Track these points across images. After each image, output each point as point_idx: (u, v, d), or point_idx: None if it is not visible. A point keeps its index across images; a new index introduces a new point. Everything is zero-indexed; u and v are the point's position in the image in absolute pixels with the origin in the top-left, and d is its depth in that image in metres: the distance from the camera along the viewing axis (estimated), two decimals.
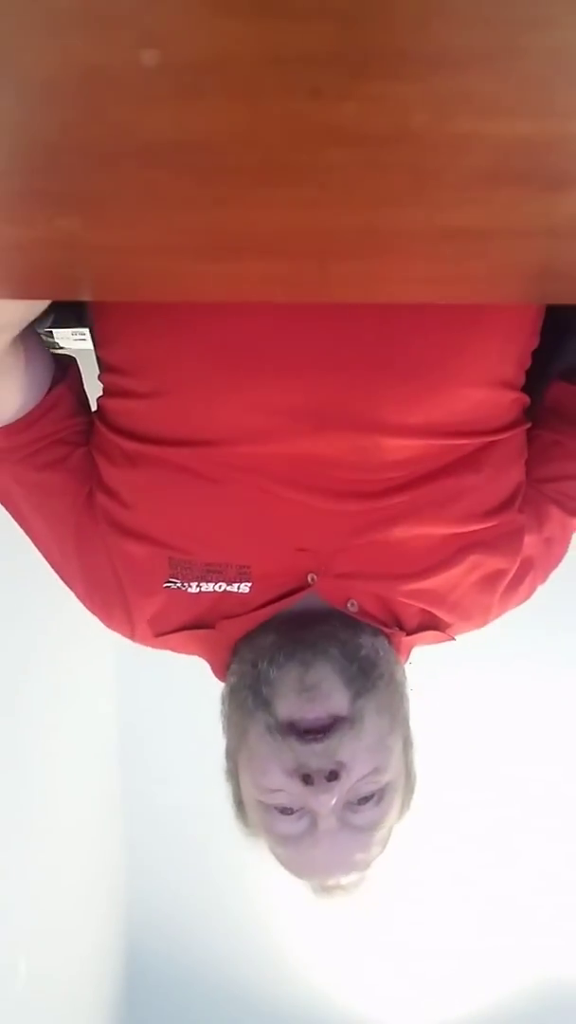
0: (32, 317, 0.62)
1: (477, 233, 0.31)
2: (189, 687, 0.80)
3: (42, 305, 0.61)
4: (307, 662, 0.66)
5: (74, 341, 0.86)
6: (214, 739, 0.78)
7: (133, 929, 2.46)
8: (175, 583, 0.71)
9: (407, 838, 0.76)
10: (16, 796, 1.58)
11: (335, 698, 0.65)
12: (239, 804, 0.74)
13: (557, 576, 0.82)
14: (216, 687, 0.77)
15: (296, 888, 0.79)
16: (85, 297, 0.62)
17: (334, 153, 0.26)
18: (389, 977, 2.49)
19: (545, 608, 0.93)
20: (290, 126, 0.24)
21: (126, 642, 0.79)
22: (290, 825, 0.67)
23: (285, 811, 0.67)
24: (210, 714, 0.77)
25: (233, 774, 0.74)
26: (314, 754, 0.64)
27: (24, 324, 0.62)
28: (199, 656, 0.79)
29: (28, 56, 0.21)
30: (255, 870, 0.80)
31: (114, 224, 0.31)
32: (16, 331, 0.63)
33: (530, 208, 0.29)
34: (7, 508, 0.76)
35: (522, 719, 2.21)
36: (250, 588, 0.71)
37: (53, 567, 0.77)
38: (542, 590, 0.81)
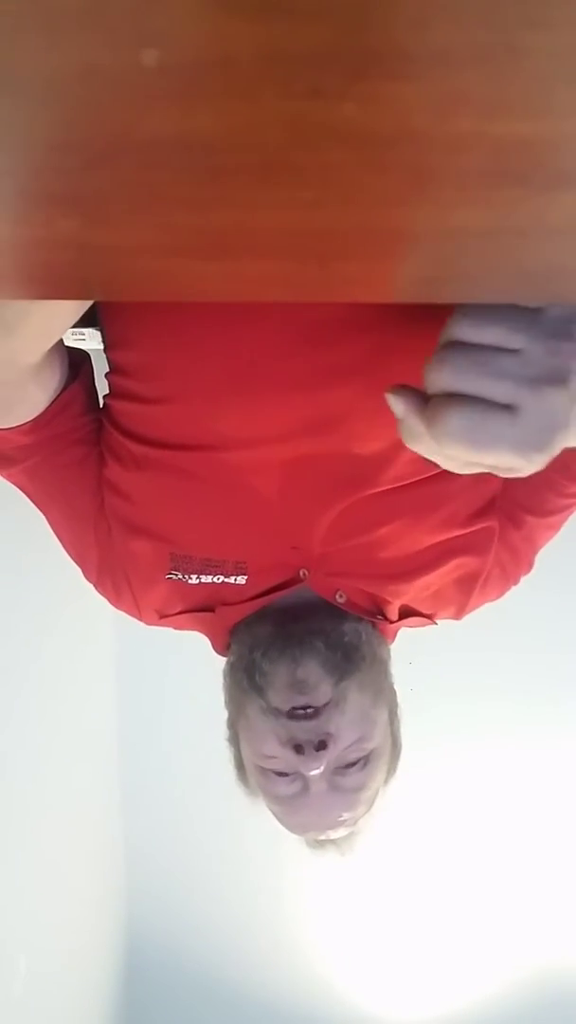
0: (77, 319, 0.64)
1: (477, 233, 0.31)
2: (189, 674, 0.84)
3: (85, 307, 0.62)
4: (296, 659, 0.73)
5: (74, 341, 0.86)
6: (214, 733, 0.84)
7: (133, 928, 2.46)
8: (176, 575, 0.76)
9: (407, 829, 0.84)
10: (14, 794, 1.58)
11: (321, 689, 0.72)
12: (240, 767, 0.82)
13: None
14: (213, 667, 0.83)
15: (296, 887, 0.83)
16: (87, 297, 0.62)
17: (334, 153, 0.26)
18: (390, 970, 2.49)
19: (548, 595, 0.94)
20: (290, 126, 0.24)
21: (126, 624, 0.85)
22: (285, 787, 0.76)
23: (280, 774, 0.76)
24: (208, 705, 0.83)
25: (234, 740, 0.82)
26: (304, 729, 0.72)
27: (70, 327, 0.64)
28: (199, 632, 0.85)
29: (28, 56, 0.22)
30: (255, 869, 0.84)
31: (114, 224, 0.31)
32: (62, 334, 0.66)
33: (529, 208, 0.29)
34: (31, 499, 0.80)
35: (523, 711, 2.21)
36: (246, 580, 0.76)
37: (69, 554, 0.82)
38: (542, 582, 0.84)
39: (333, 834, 0.80)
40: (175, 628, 0.84)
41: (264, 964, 2.50)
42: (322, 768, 0.72)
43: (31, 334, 0.62)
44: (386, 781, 0.82)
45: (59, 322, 0.64)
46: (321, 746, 0.71)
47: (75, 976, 2.01)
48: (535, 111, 0.24)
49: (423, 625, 0.84)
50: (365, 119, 0.24)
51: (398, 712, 0.82)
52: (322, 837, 0.81)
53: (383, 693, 0.78)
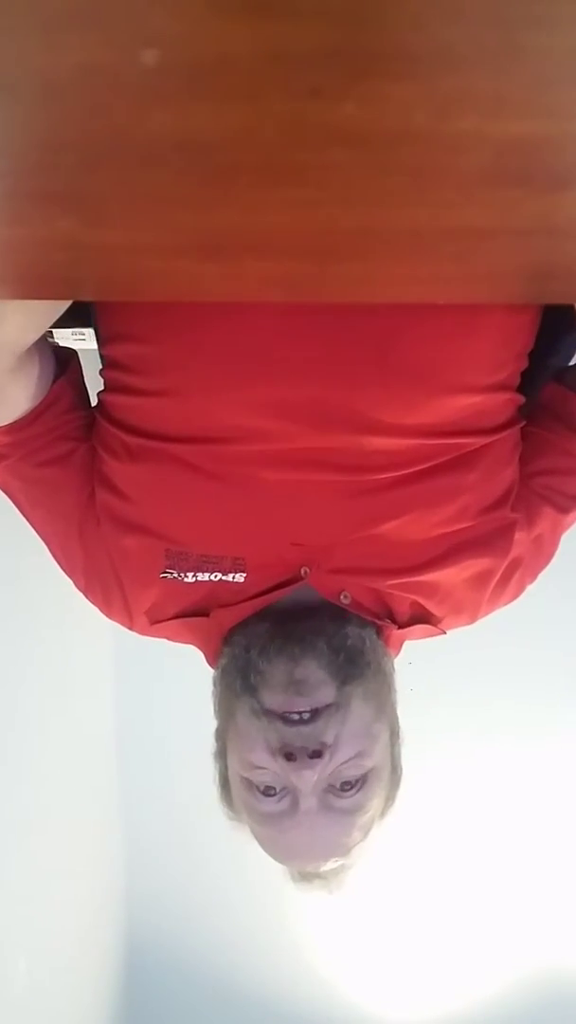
0: (52, 322, 0.63)
1: (477, 233, 0.31)
2: (188, 679, 0.81)
3: (64, 307, 0.61)
4: (295, 657, 0.68)
5: (74, 341, 0.86)
6: (212, 732, 0.79)
7: (133, 928, 2.46)
8: (171, 573, 0.72)
9: (407, 830, 0.77)
10: (14, 794, 1.58)
11: (322, 691, 0.67)
12: (224, 784, 0.76)
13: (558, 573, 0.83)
14: (211, 669, 0.79)
15: (295, 888, 0.80)
16: (85, 297, 0.62)
17: (334, 153, 0.26)
18: (390, 970, 2.49)
19: (550, 595, 0.93)
20: (290, 126, 0.24)
21: (125, 631, 0.81)
22: (272, 805, 0.69)
23: (268, 791, 0.69)
24: (208, 706, 0.78)
25: (221, 754, 0.76)
26: (299, 735, 0.66)
27: (45, 329, 0.63)
28: (193, 644, 0.80)
29: (28, 56, 0.21)
30: (256, 870, 0.81)
31: (114, 224, 0.31)
32: (36, 337, 0.64)
33: (530, 208, 0.29)
34: (13, 502, 0.77)
35: (523, 711, 2.21)
36: (245, 578, 0.72)
37: (55, 558, 0.79)
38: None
39: (323, 865, 0.73)
40: (167, 638, 0.80)
41: (264, 964, 2.50)
42: (315, 778, 0.66)
43: (5, 338, 0.61)
44: (383, 812, 0.75)
45: (31, 328, 0.62)
46: (315, 755, 0.65)
47: (75, 977, 2.01)
48: (536, 111, 0.24)
49: (431, 635, 0.80)
50: (365, 119, 0.24)
51: (400, 734, 0.76)
52: (310, 868, 0.74)
53: (386, 709, 0.72)
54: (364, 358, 0.65)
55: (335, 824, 0.69)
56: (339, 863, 0.74)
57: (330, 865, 0.73)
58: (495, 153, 0.26)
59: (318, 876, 0.75)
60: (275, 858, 0.75)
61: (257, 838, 0.74)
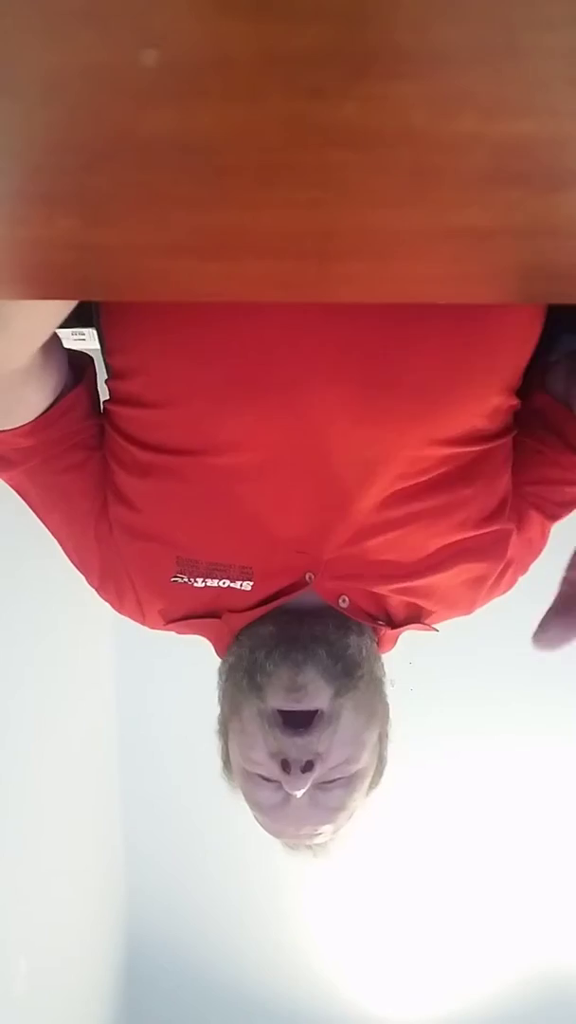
0: (62, 319, 0.63)
1: (477, 233, 0.31)
2: (188, 679, 0.84)
3: (70, 307, 0.62)
4: (298, 664, 0.73)
5: (74, 341, 0.86)
6: (213, 734, 0.84)
7: (133, 928, 2.46)
8: (182, 578, 0.76)
9: (407, 829, 0.83)
10: (14, 795, 1.58)
11: (320, 696, 0.73)
12: (227, 762, 0.83)
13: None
14: (211, 667, 0.83)
15: (296, 887, 0.83)
16: (89, 297, 0.62)
17: (334, 153, 0.26)
18: (390, 970, 2.49)
19: (549, 596, 0.94)
20: (290, 126, 0.24)
21: (126, 625, 0.85)
22: (268, 794, 0.76)
23: (265, 779, 0.75)
24: (208, 705, 0.83)
25: (223, 734, 0.82)
26: (295, 746, 0.72)
27: (55, 327, 0.64)
28: (202, 637, 0.84)
29: (28, 56, 0.21)
30: (255, 869, 0.84)
31: (114, 224, 0.31)
32: (47, 335, 0.65)
33: (530, 208, 0.29)
34: (26, 503, 0.79)
35: (522, 711, 2.21)
36: (252, 586, 0.75)
37: (69, 558, 0.81)
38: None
39: (308, 842, 0.81)
40: (178, 632, 0.83)
41: (264, 964, 2.50)
42: (306, 788, 0.72)
43: (13, 338, 0.61)
44: (367, 792, 0.82)
45: (42, 325, 0.63)
46: (308, 767, 0.71)
47: (75, 976, 2.01)
48: (535, 111, 0.24)
49: (424, 630, 0.83)
50: (365, 119, 0.24)
51: (389, 734, 0.82)
52: (297, 843, 0.82)
53: (376, 716, 0.78)
54: (373, 370, 0.66)
55: (320, 816, 0.76)
56: (324, 841, 0.81)
57: (316, 842, 0.81)
58: (494, 153, 0.26)
59: (305, 846, 0.83)
60: (267, 832, 0.82)
61: (253, 814, 0.81)
